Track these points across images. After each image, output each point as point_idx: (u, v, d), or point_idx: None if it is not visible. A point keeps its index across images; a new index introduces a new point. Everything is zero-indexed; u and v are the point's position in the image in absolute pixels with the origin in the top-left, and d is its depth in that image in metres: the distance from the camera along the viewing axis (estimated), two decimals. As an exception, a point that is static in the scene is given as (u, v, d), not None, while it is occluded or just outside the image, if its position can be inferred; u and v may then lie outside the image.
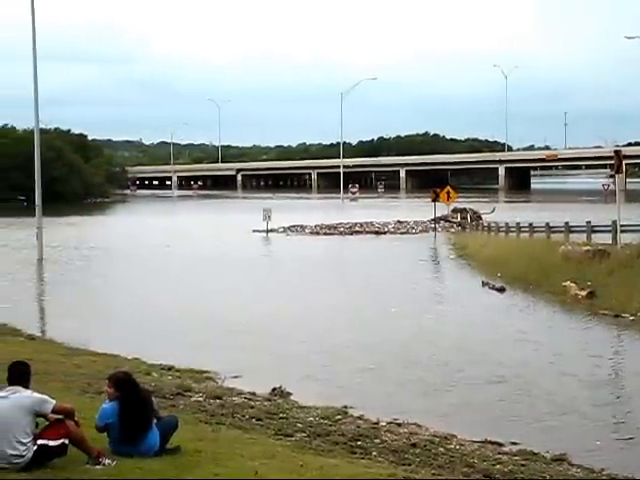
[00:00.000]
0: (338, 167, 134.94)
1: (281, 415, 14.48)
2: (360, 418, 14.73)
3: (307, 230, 62.49)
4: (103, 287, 34.54)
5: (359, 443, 12.83)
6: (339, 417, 14.62)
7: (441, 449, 12.83)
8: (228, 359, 19.73)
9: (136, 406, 9.41)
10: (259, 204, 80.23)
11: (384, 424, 14.39)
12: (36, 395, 8.82)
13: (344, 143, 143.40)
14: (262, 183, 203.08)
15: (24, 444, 8.59)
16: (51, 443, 8.68)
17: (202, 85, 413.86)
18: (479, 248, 43.24)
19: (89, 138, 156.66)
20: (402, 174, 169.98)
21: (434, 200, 61.49)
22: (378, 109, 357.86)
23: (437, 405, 16.14)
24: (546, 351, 21.00)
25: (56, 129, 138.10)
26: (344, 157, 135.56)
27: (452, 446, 13.12)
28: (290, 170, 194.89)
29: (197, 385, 16.78)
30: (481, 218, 66.00)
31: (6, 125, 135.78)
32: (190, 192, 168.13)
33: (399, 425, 14.42)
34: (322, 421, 14.21)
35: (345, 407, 15.35)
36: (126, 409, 9.35)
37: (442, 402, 16.42)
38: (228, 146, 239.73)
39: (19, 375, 8.92)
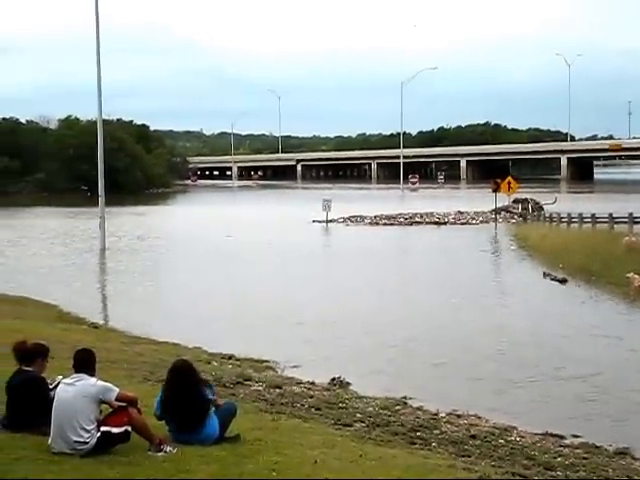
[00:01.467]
0: (398, 157, 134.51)
1: (340, 405, 14.52)
2: (419, 409, 14.72)
3: (367, 220, 62.39)
4: (164, 277, 34.89)
5: (418, 434, 12.82)
6: (398, 408, 14.63)
7: (501, 441, 12.76)
8: (288, 349, 19.82)
9: (179, 395, 9.49)
10: (319, 194, 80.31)
11: (443, 415, 14.36)
12: (101, 383, 8.95)
13: (404, 133, 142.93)
14: (322, 173, 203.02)
15: (88, 431, 8.73)
16: (114, 430, 8.80)
17: (263, 76, 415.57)
18: (540, 239, 42.78)
19: (151, 129, 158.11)
20: (462, 164, 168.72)
21: (495, 191, 60.89)
22: (438, 99, 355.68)
23: (510, 403, 15.72)
24: (619, 346, 20.55)
25: (119, 120, 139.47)
26: (404, 147, 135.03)
27: (512, 438, 13.05)
28: (350, 160, 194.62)
29: (257, 374, 16.88)
30: (543, 209, 65.30)
31: (70, 116, 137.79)
32: (250, 182, 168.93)
33: (459, 416, 14.38)
34: (381, 411, 14.23)
35: (404, 398, 15.34)
36: (172, 396, 9.49)
37: (515, 400, 16.04)
38: (288, 136, 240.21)
39: (84, 362, 9.06)
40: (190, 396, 9.48)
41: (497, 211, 61.58)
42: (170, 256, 42.19)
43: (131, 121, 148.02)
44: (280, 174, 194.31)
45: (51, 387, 9.38)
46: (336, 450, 10.11)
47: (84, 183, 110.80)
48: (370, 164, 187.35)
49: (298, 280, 32.75)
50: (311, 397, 15.04)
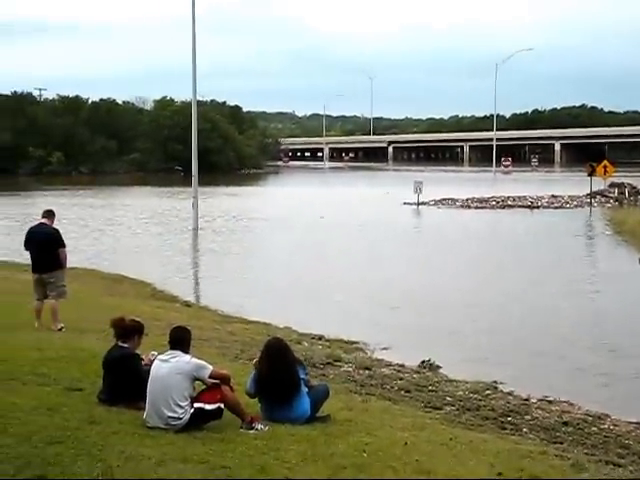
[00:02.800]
0: (491, 140, 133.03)
1: (430, 388, 14.49)
2: (510, 394, 14.55)
3: (458, 203, 61.83)
4: (257, 257, 35.16)
5: (509, 419, 12.72)
6: (489, 392, 14.50)
7: (594, 428, 12.54)
8: (378, 331, 19.78)
9: (270, 369, 9.59)
10: (410, 176, 79.92)
11: (534, 401, 14.18)
12: (195, 360, 9.10)
13: (497, 115, 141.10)
14: (413, 155, 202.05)
15: (182, 407, 8.88)
16: (207, 407, 8.94)
17: (355, 57, 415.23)
18: (637, 224, 41.76)
19: (244, 110, 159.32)
20: (557, 147, 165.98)
21: (590, 174, 59.75)
22: (533, 80, 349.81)
23: (605, 392, 15.25)
24: None
25: (212, 101, 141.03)
26: (497, 130, 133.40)
27: (606, 426, 12.80)
28: (441, 143, 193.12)
29: (347, 355, 16.92)
30: (640, 193, 63.80)
31: (165, 97, 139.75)
32: (341, 164, 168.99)
33: (550, 402, 14.18)
34: (471, 395, 14.14)
35: (495, 382, 15.18)
36: (261, 369, 9.60)
37: (611, 389, 15.51)
38: (380, 118, 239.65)
39: (180, 340, 9.23)
40: (284, 373, 9.58)
41: (592, 195, 60.42)
42: (263, 236, 42.53)
43: (224, 102, 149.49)
44: (371, 156, 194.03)
45: (147, 364, 9.58)
46: (426, 433, 10.10)
47: (178, 163, 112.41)
48: (462, 146, 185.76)
49: (391, 262, 32.59)
50: (401, 379, 15.04)
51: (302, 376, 9.88)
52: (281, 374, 9.57)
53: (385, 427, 10.02)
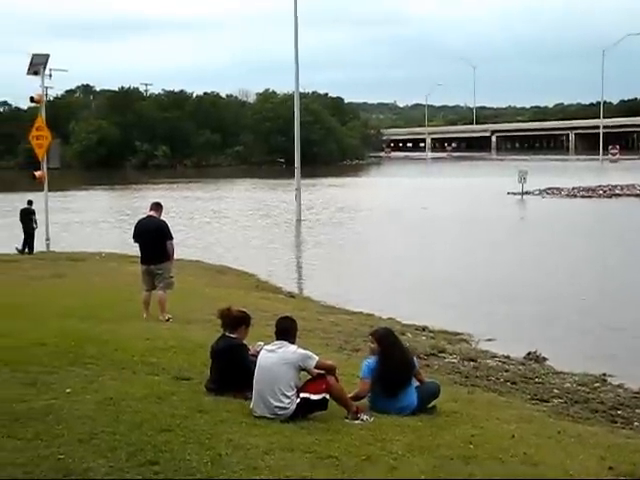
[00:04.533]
0: (597, 128, 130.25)
1: (536, 380, 14.28)
2: (620, 387, 14.21)
3: (563, 193, 60.78)
4: (359, 248, 35.19)
5: (619, 412, 12.44)
6: (597, 385, 14.21)
7: None
8: (484, 323, 19.57)
9: (395, 360, 9.61)
10: (514, 166, 78.81)
11: (646, 394, 13.83)
12: (301, 351, 9.15)
13: (604, 102, 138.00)
14: (517, 145, 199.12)
15: (288, 397, 8.94)
16: (313, 397, 8.98)
17: (458, 45, 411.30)
18: None
19: (345, 101, 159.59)
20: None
21: (703, 161, 58.05)
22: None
23: None
24: None
25: (314, 93, 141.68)
26: (604, 117, 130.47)
27: None
28: (546, 131, 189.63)
29: (451, 346, 16.81)
30: None
31: (267, 90, 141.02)
32: (443, 154, 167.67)
33: (662, 397, 13.81)
34: (579, 388, 13.88)
35: (604, 375, 14.85)
36: (385, 361, 9.59)
37: None
38: (482, 107, 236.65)
39: (286, 330, 9.30)
40: (404, 358, 9.68)
41: None
42: (366, 228, 42.53)
43: (326, 94, 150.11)
44: (474, 146, 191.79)
45: (253, 354, 9.69)
46: (533, 425, 9.96)
47: (280, 155, 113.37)
48: (568, 135, 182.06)
49: (498, 254, 32.11)
50: (506, 371, 14.87)
51: (415, 365, 9.93)
52: (401, 358, 9.67)
53: (491, 419, 9.92)
